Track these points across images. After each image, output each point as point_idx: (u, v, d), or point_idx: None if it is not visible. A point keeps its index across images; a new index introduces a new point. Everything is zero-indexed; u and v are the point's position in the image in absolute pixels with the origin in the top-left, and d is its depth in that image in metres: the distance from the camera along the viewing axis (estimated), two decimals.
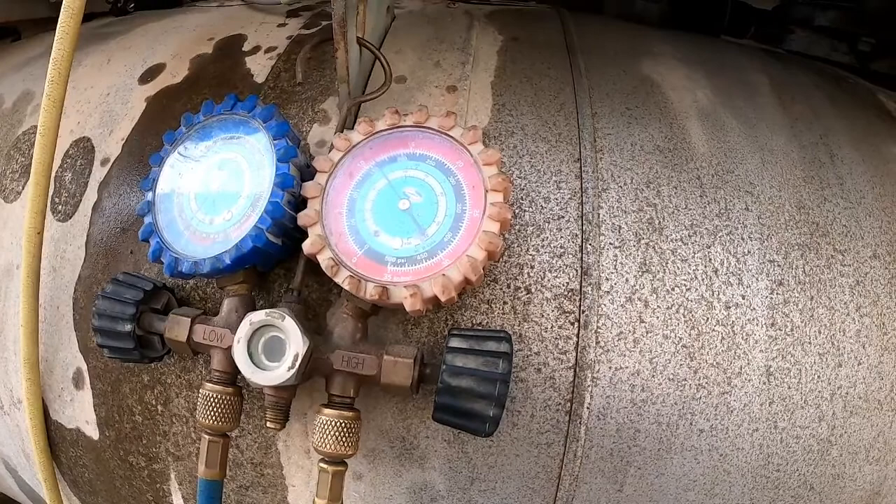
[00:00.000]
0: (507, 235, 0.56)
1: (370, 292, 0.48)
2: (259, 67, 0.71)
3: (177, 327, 0.54)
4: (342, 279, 0.49)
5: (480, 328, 0.55)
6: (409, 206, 0.52)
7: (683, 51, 0.77)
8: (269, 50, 0.73)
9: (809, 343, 0.58)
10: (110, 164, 0.69)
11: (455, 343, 0.49)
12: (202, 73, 0.73)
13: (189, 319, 0.54)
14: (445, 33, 0.73)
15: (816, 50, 0.96)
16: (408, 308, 0.48)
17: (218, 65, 0.74)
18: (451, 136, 0.53)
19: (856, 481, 0.63)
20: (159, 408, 0.62)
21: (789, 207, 0.62)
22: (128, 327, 0.55)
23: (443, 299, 0.48)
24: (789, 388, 0.57)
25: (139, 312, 0.55)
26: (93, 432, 0.67)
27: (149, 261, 0.56)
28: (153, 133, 0.69)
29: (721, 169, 0.62)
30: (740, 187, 0.61)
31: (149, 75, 0.75)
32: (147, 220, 0.56)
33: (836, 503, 0.63)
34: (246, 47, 0.75)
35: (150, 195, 0.57)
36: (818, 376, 0.58)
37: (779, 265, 0.59)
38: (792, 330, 0.58)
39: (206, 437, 0.54)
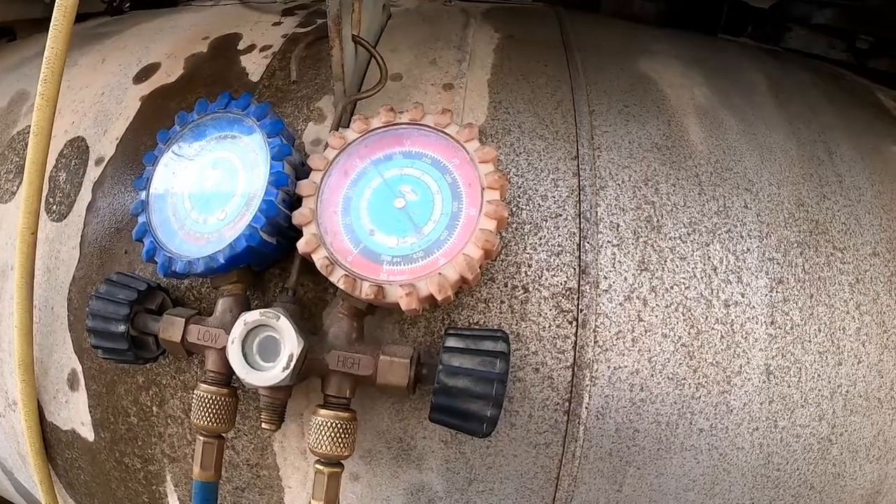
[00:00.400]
0: (503, 234, 0.56)
1: (366, 291, 0.48)
2: (254, 66, 0.71)
3: (171, 328, 0.54)
4: (337, 278, 0.49)
5: (477, 327, 0.54)
6: (404, 204, 0.51)
7: (680, 49, 0.76)
8: (264, 48, 0.73)
9: (809, 341, 0.58)
10: (105, 163, 0.69)
11: (452, 343, 0.48)
12: (197, 72, 0.73)
13: (183, 320, 0.53)
14: (441, 31, 0.72)
15: (814, 48, 0.96)
16: (404, 307, 0.47)
17: (213, 63, 0.73)
18: (447, 134, 0.52)
19: (856, 480, 0.62)
20: (154, 409, 0.62)
21: (788, 205, 0.61)
22: (122, 328, 0.54)
23: (439, 298, 0.47)
24: (789, 386, 0.57)
25: (133, 313, 0.55)
26: (88, 434, 0.67)
27: (143, 261, 0.55)
28: (148, 132, 0.68)
29: (720, 166, 0.61)
30: (739, 185, 0.61)
31: (143, 74, 0.75)
32: (141, 219, 0.56)
33: (836, 502, 0.63)
34: (241, 46, 0.75)
35: (143, 194, 0.57)
36: (818, 375, 0.58)
37: (778, 263, 0.58)
38: (792, 328, 0.57)
39: (201, 438, 0.53)
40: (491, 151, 0.50)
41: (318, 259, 0.49)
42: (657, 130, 0.63)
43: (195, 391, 0.53)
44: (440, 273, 0.48)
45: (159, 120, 0.69)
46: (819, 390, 0.58)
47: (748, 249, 0.58)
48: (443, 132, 0.52)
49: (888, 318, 0.61)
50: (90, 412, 0.66)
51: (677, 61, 0.73)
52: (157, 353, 0.58)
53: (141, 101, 0.72)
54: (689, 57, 0.75)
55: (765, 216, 0.60)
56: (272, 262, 0.57)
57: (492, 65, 0.67)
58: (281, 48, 0.72)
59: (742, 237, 0.58)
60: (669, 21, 0.91)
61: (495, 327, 0.54)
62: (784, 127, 0.68)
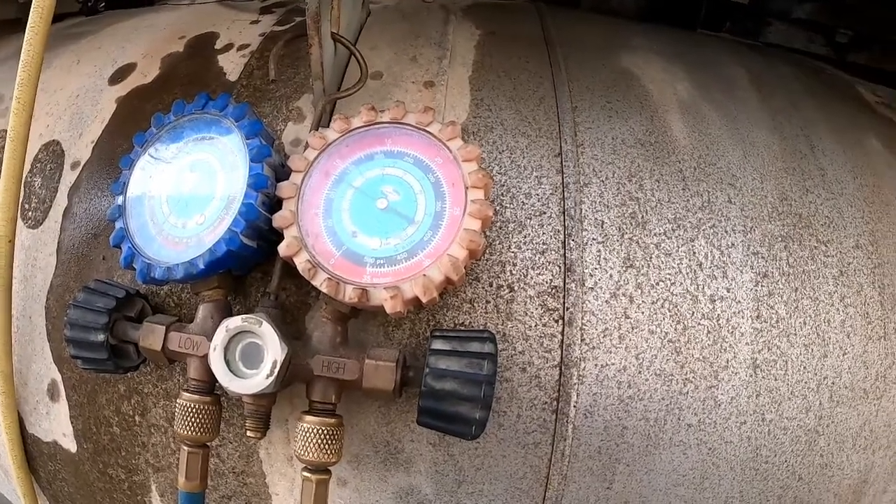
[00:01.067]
0: (488, 233, 0.55)
1: (349, 295, 0.47)
2: (231, 65, 0.70)
3: (151, 336, 0.52)
4: (320, 282, 0.48)
5: (463, 328, 0.54)
6: (387, 205, 0.50)
7: (661, 44, 0.76)
8: (241, 47, 0.71)
9: (795, 334, 0.58)
10: (80, 167, 0.67)
11: (438, 345, 0.48)
12: (173, 73, 0.71)
13: (163, 327, 0.52)
14: (422, 28, 0.71)
15: (794, 42, 0.96)
16: (388, 310, 0.47)
17: (189, 63, 0.72)
18: (430, 132, 0.51)
19: (843, 470, 0.63)
20: (137, 418, 0.61)
21: (772, 199, 0.61)
22: (101, 337, 0.53)
23: (424, 300, 0.47)
24: (776, 379, 0.57)
25: (112, 321, 0.54)
26: (70, 445, 0.65)
27: (121, 267, 0.54)
28: (124, 135, 0.67)
29: (703, 162, 0.61)
30: (723, 180, 0.61)
31: (119, 75, 0.73)
32: (118, 224, 0.54)
33: (824, 492, 0.63)
34: (218, 45, 0.73)
35: (120, 199, 0.55)
36: (804, 367, 0.58)
37: (763, 257, 0.58)
38: (777, 322, 0.57)
39: (186, 448, 0.52)
40: (474, 150, 0.50)
41: (300, 262, 0.48)
42: (640, 126, 0.62)
43: (178, 400, 0.52)
44: (425, 274, 0.47)
45: (136, 122, 0.67)
46: (805, 382, 0.58)
47: (733, 244, 0.58)
48: (425, 131, 0.52)
49: (872, 310, 0.61)
50: (72, 423, 0.64)
51: (659, 56, 0.73)
52: (137, 362, 0.57)
53: (117, 102, 0.70)
54: (671, 52, 0.74)
55: (749, 210, 0.60)
56: (253, 265, 0.56)
57: (473, 61, 0.66)
58: (259, 47, 0.71)
59: (726, 232, 0.58)
60: (649, 16, 0.92)
61: (481, 328, 0.54)
62: (767, 121, 0.68)
